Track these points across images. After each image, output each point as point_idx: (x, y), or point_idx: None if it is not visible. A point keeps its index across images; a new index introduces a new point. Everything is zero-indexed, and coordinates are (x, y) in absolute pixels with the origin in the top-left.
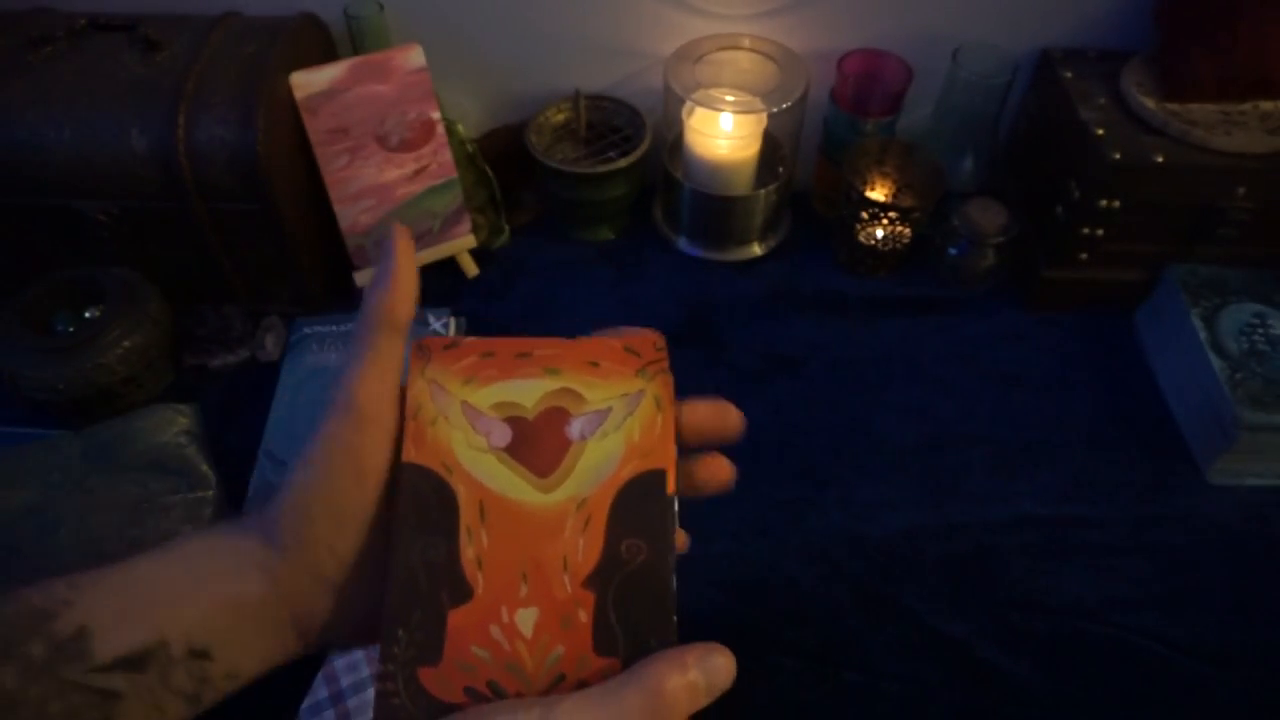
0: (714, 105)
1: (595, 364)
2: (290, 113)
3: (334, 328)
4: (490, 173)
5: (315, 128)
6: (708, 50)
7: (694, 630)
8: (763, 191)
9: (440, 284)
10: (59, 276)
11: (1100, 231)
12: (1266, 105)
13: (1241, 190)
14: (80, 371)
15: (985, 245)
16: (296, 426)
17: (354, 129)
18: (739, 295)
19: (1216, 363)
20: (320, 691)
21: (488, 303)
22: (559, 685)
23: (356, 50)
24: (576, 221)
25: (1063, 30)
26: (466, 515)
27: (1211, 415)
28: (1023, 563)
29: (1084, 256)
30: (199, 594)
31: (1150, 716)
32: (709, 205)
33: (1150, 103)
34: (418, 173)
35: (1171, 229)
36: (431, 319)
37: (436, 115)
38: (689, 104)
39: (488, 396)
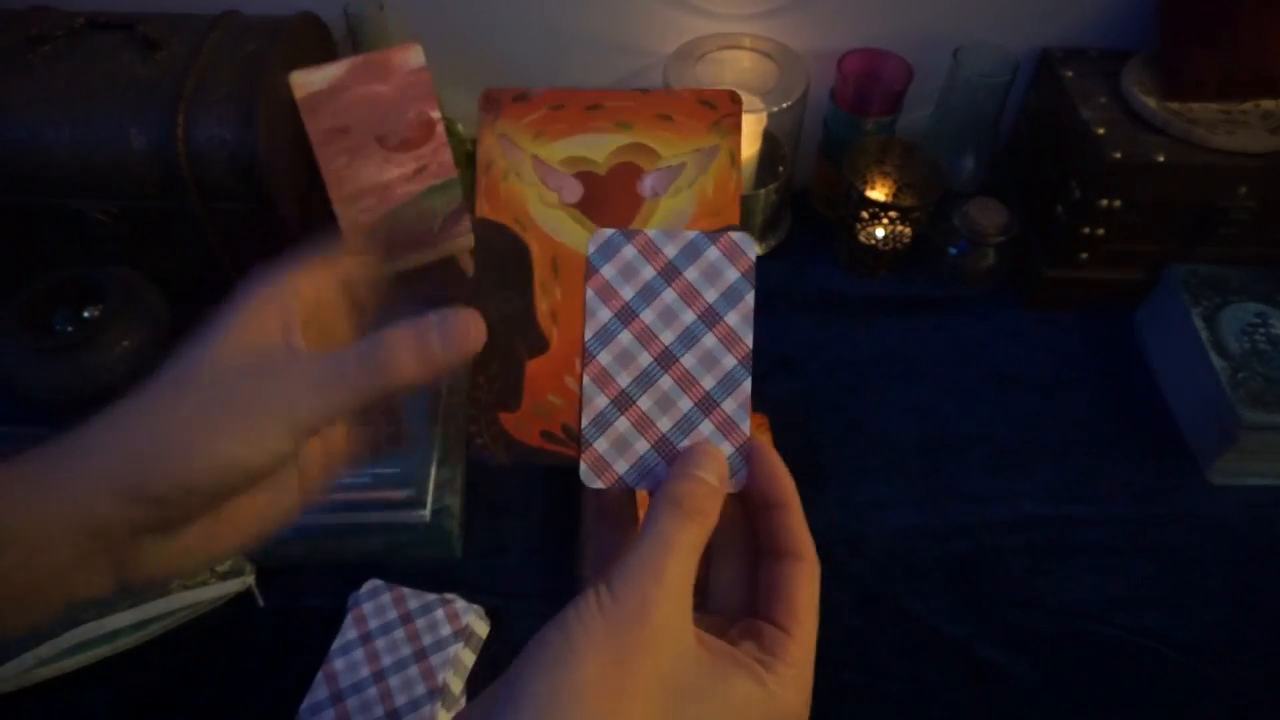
0: None
1: (668, 117)
2: (290, 112)
3: None
4: None
5: (315, 127)
6: (708, 49)
7: None
8: (763, 191)
9: (440, 284)
10: (58, 276)
11: (1101, 231)
12: (1267, 104)
13: (1243, 189)
14: (80, 371)
15: (985, 245)
16: None
17: (354, 128)
18: None
19: (1217, 362)
20: (320, 691)
21: None
22: None
23: (356, 49)
24: None
25: (1063, 29)
26: (541, 270)
27: (1212, 415)
28: (1023, 563)
29: (1084, 256)
30: None
31: (1150, 716)
32: None
33: (1151, 102)
34: (418, 172)
35: (1172, 228)
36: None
37: (436, 115)
38: None
39: (558, 151)
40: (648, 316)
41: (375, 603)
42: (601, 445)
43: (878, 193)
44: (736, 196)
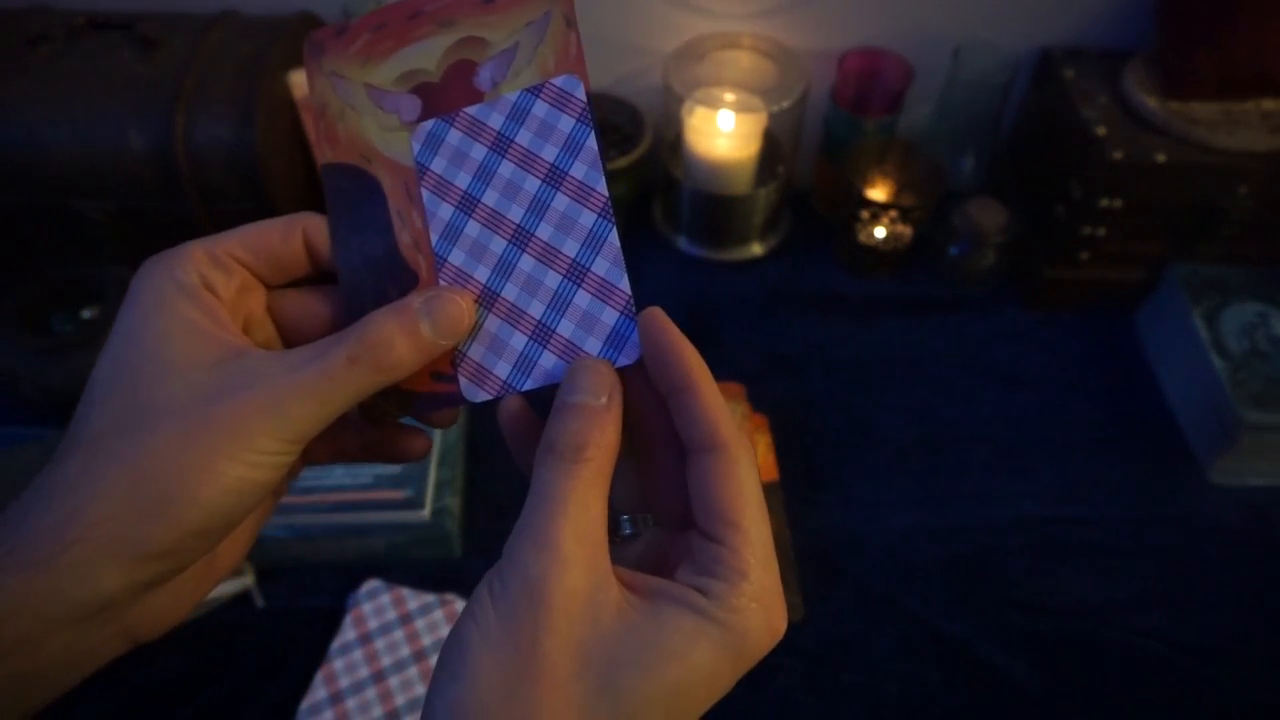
0: (714, 104)
1: (490, 1)
2: (289, 112)
3: None
4: None
5: (314, 127)
6: (708, 49)
7: None
8: (763, 191)
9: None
10: (56, 276)
11: (1101, 231)
12: (1268, 104)
13: (1243, 189)
14: (79, 371)
15: (986, 245)
16: None
17: None
18: (739, 295)
19: (1218, 362)
20: (320, 691)
21: None
22: None
23: None
24: None
25: (1064, 29)
26: (396, 200)
27: (1213, 415)
28: (1023, 563)
29: (1085, 256)
30: None
31: (1151, 716)
32: (709, 205)
33: (1152, 101)
34: None
35: (1173, 228)
36: None
37: None
38: (689, 103)
39: (388, 71)
40: (490, 198)
41: (374, 603)
42: (476, 352)
43: (878, 193)
44: (580, 59)
